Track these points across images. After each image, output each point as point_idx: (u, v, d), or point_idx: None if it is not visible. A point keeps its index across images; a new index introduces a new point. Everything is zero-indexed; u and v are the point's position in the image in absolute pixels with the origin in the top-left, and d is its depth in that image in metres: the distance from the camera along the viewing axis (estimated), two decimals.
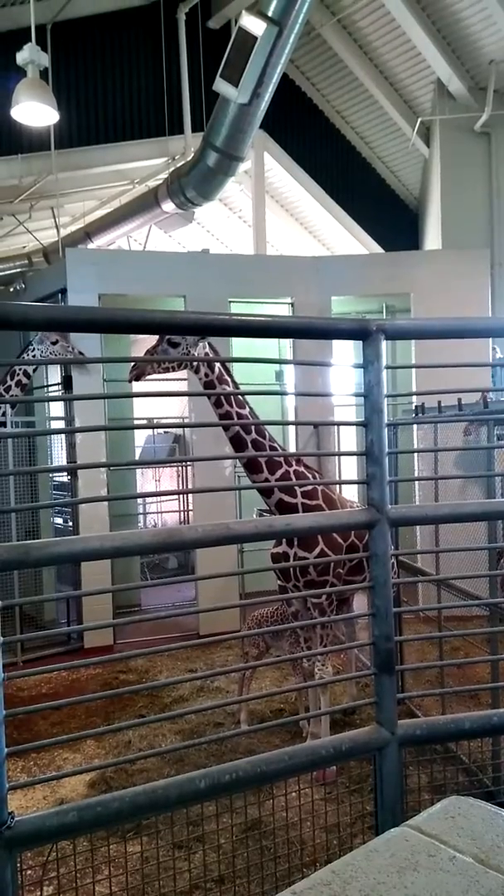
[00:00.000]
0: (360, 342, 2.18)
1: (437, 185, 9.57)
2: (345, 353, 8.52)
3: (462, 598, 4.25)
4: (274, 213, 11.79)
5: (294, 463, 4.19)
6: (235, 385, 4.11)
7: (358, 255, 10.79)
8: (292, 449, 7.53)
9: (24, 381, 6.46)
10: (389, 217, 11.30)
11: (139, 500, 9.11)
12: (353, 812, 3.11)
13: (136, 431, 10.01)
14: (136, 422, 9.09)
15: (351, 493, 5.83)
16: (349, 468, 8.30)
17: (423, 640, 5.46)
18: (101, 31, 9.06)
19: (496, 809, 1.08)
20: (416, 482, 6.18)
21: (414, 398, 5.73)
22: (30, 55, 6.65)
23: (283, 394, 9.70)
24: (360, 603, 5.84)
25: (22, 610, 6.97)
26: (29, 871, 2.88)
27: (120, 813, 1.80)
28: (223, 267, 7.73)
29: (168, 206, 8.87)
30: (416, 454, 5.77)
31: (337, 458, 7.61)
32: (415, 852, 0.96)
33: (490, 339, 7.27)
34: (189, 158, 8.56)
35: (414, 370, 7.36)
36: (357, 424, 2.24)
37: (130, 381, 4.05)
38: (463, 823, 1.03)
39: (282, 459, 4.13)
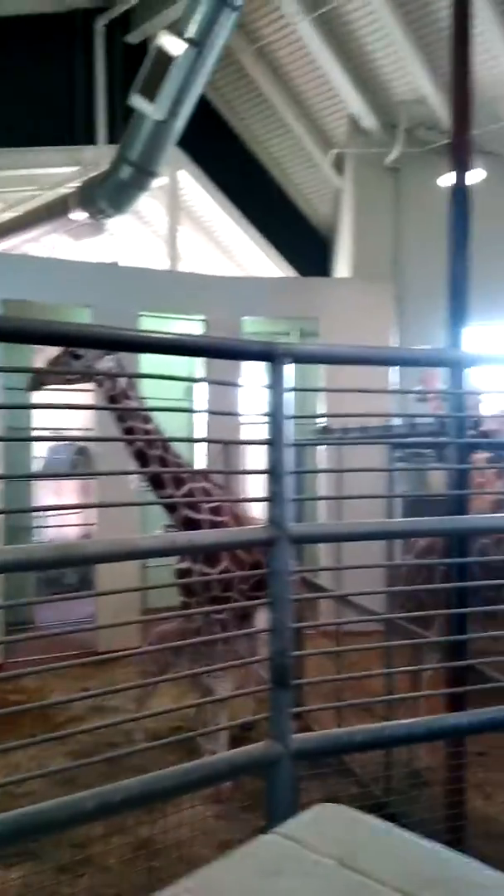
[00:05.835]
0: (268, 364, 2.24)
1: (348, 216, 9.92)
2: (257, 373, 8.64)
3: (360, 614, 4.38)
4: (188, 230, 11.85)
5: (201, 480, 4.21)
6: (140, 400, 4.09)
7: (270, 277, 11.00)
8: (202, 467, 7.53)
9: None
10: (302, 243, 11.60)
11: (39, 513, 8.82)
12: (247, 828, 3.13)
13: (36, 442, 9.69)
14: (36, 433, 8.81)
15: (260, 511, 5.89)
16: (260, 487, 8.37)
17: (318, 654, 5.55)
18: (15, 34, 8.87)
19: (359, 815, 1.14)
20: (324, 503, 6.33)
21: (324, 420, 5.88)
22: None
23: (188, 411, 9.68)
24: (264, 619, 5.88)
25: None
26: None
27: (0, 836, 1.73)
28: (134, 280, 7.69)
29: (79, 215, 8.76)
30: (319, 475, 5.92)
31: (245, 476, 7.67)
32: (280, 858, 0.99)
33: (392, 368, 7.56)
34: (102, 169, 8.49)
35: (323, 394, 7.56)
36: (260, 443, 2.29)
37: (29, 391, 3.95)
38: (328, 829, 1.08)
39: (187, 476, 4.13)
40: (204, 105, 9.47)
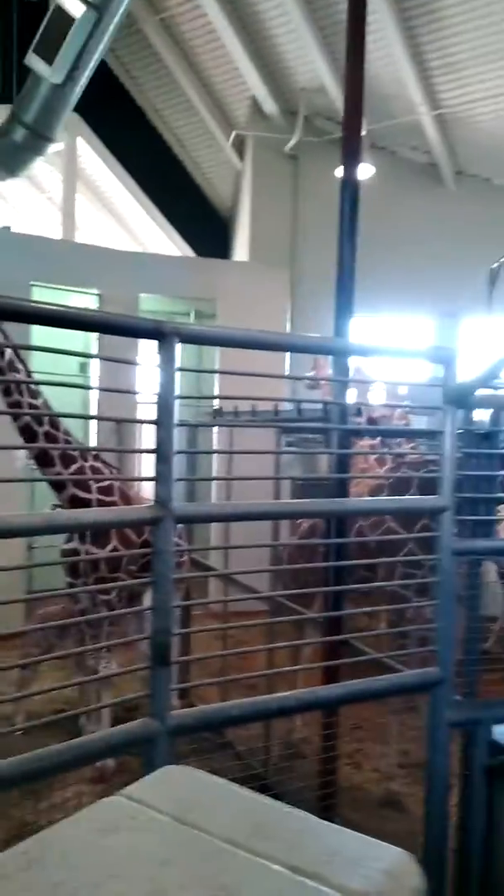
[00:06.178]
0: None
1: (247, 199, 9.94)
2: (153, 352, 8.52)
3: (247, 594, 4.47)
4: (85, 200, 11.47)
5: (90, 458, 4.13)
6: (28, 374, 3.95)
7: (169, 255, 10.86)
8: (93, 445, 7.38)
9: None
10: (202, 222, 11.51)
11: None
12: None
13: None
14: None
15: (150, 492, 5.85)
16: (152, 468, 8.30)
17: (207, 634, 5.64)
18: None
19: (202, 775, 1.20)
20: (216, 484, 6.37)
21: (216, 402, 5.90)
22: None
23: (77, 386, 9.44)
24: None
25: None
26: None
27: None
28: (27, 248, 7.38)
29: None
30: (213, 456, 5.96)
31: (139, 457, 7.58)
32: (119, 816, 1.04)
33: (285, 354, 7.69)
34: None
35: (218, 377, 7.58)
36: (148, 423, 2.28)
37: None
38: (170, 789, 1.14)
39: (77, 454, 4.04)
40: (104, 72, 9.15)
